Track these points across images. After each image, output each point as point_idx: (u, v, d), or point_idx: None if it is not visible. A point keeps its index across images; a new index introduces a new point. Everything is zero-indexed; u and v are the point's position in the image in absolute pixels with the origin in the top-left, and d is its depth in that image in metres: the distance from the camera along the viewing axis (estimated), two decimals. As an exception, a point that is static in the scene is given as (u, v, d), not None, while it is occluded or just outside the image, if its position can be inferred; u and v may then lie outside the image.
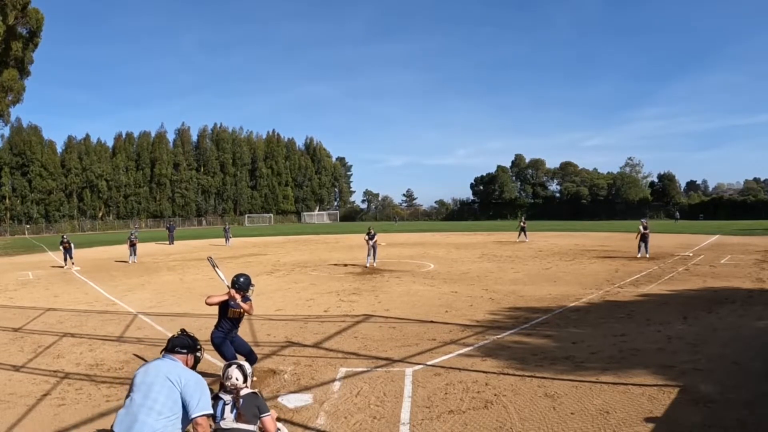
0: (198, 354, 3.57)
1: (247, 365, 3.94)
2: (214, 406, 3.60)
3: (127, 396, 3.19)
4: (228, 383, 3.78)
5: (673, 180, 75.71)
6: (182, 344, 3.48)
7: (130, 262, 21.18)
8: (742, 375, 5.53)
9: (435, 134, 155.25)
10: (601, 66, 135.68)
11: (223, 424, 3.58)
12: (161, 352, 3.50)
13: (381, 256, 21.88)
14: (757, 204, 62.31)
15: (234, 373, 3.80)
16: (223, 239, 33.00)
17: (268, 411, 3.76)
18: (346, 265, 18.35)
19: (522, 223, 30.52)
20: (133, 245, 21.64)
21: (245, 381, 3.81)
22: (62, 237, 20.59)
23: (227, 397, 3.69)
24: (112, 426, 3.10)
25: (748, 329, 7.70)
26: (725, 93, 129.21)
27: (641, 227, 18.75)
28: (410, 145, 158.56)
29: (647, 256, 18.18)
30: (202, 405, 3.18)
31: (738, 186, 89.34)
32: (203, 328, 8.71)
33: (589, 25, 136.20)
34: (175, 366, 3.30)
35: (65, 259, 19.61)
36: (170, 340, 3.53)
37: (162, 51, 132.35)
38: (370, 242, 18.01)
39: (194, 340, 3.59)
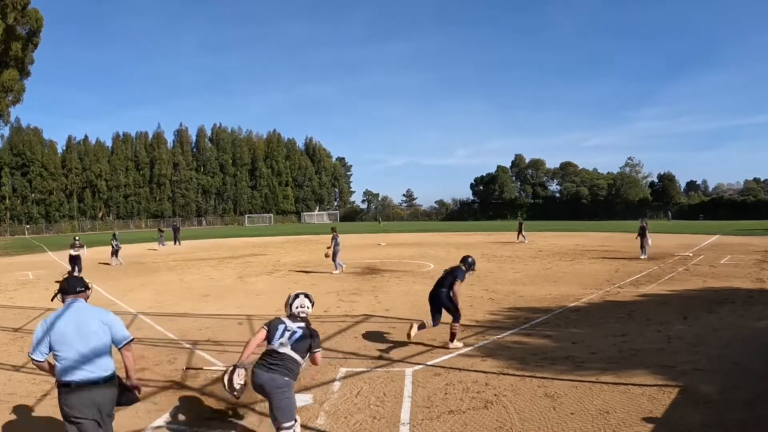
0: (89, 291, 3.82)
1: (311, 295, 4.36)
2: (275, 328, 4.07)
3: (47, 345, 3.40)
4: (299, 311, 4.16)
5: (673, 180, 75.76)
6: (81, 284, 3.76)
7: (114, 264, 20.56)
8: (742, 375, 5.53)
9: (435, 134, 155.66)
10: (601, 66, 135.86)
11: (278, 347, 3.97)
12: (60, 296, 3.68)
13: (381, 256, 21.89)
14: (757, 204, 62.32)
15: (305, 302, 4.22)
16: (171, 241, 32.30)
17: (320, 347, 4.17)
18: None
19: (521, 224, 30.62)
20: (115, 251, 21.04)
21: (312, 307, 4.28)
22: (74, 239, 18.20)
23: (293, 326, 4.08)
24: (62, 377, 3.37)
25: (748, 329, 7.70)
26: (725, 93, 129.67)
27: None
28: (410, 145, 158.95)
29: (643, 257, 17.93)
30: (125, 334, 3.62)
31: (738, 186, 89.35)
32: (203, 328, 8.73)
33: (589, 25, 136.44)
34: (92, 310, 3.62)
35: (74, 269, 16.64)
36: (68, 282, 3.74)
37: (162, 51, 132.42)
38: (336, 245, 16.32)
39: (83, 279, 3.89)
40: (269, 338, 4.03)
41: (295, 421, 3.90)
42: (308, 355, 4.07)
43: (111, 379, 3.48)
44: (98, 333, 3.48)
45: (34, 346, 3.43)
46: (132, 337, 3.68)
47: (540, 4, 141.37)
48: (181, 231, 36.00)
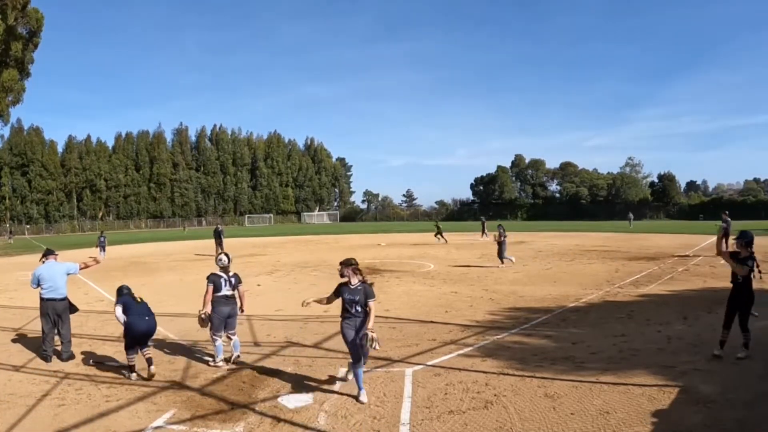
0: (56, 255, 7.34)
1: None
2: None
3: (38, 281, 6.89)
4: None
5: (673, 180, 75.67)
6: (52, 252, 7.34)
7: (103, 258, 22.09)
8: (742, 375, 5.53)
9: (435, 134, 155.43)
10: (602, 66, 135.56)
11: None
12: (42, 260, 7.22)
13: (381, 256, 21.87)
14: (757, 204, 62.25)
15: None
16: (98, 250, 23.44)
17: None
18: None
19: (483, 223, 31.80)
20: (102, 247, 23.54)
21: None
22: (101, 232, 25.81)
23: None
24: (41, 294, 6.85)
25: (748, 329, 7.69)
26: (725, 93, 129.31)
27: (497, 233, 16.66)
28: (410, 145, 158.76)
29: (501, 265, 16.37)
30: (74, 269, 7.18)
31: (738, 186, 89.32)
32: (203, 329, 8.71)
33: (589, 24, 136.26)
34: (59, 264, 7.14)
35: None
36: (45, 251, 7.40)
37: (162, 51, 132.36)
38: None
39: (53, 250, 7.45)
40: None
41: None
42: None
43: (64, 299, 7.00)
44: (62, 276, 6.99)
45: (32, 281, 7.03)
46: (77, 267, 7.21)
47: (540, 4, 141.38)
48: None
